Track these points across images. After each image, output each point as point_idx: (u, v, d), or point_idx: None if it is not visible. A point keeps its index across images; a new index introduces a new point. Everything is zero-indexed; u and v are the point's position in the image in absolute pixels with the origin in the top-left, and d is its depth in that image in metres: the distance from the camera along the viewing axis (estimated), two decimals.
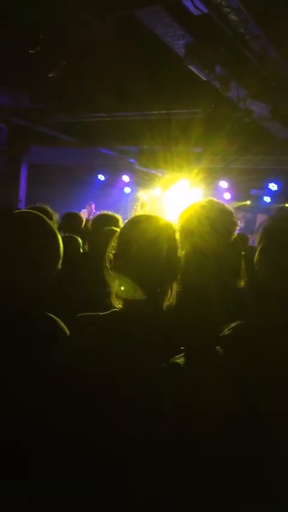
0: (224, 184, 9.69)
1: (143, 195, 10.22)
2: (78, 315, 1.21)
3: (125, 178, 10.97)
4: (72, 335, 1.19)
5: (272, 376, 0.98)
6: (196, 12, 3.68)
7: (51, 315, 1.24)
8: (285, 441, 0.93)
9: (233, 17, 3.83)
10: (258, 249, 1.07)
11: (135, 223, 1.24)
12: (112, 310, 1.20)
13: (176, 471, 0.96)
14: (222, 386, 0.97)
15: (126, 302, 1.18)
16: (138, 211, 9.07)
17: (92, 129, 8.06)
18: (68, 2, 3.83)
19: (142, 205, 9.53)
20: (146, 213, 1.33)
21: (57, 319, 1.25)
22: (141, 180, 11.07)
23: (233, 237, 1.59)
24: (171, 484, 0.97)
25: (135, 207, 9.12)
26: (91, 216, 8.89)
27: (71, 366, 1.10)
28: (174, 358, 1.03)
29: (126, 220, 1.29)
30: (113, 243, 1.24)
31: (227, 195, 10.17)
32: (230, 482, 0.94)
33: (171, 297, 1.19)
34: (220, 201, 1.65)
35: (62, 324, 1.24)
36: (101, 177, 11.43)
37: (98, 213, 5.79)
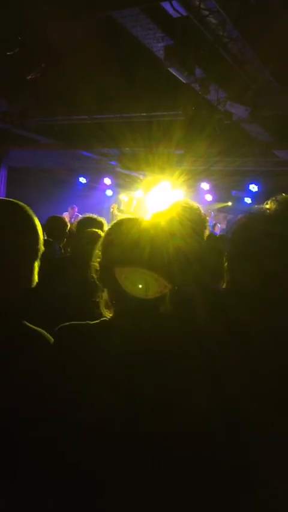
0: (205, 186, 9.77)
1: (124, 197, 10.22)
2: (68, 323, 1.16)
3: (107, 181, 10.95)
4: (56, 345, 1.14)
5: (258, 382, 0.98)
6: (175, 15, 3.69)
7: (30, 325, 1.17)
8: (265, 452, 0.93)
9: (211, 19, 3.85)
10: (239, 253, 1.06)
11: (121, 225, 1.20)
12: (102, 319, 1.17)
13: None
14: (205, 393, 0.95)
15: (117, 310, 1.15)
16: (115, 212, 9.04)
17: (72, 132, 8.01)
18: (45, 3, 3.79)
19: (129, 201, 9.50)
20: (128, 216, 1.29)
21: (38, 329, 1.18)
22: (123, 182, 11.06)
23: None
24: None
25: (111, 209, 9.09)
26: (73, 219, 8.82)
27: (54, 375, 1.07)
28: (155, 365, 1.01)
29: (110, 225, 1.24)
30: (97, 250, 1.19)
31: (209, 197, 10.26)
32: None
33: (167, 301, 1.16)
34: (193, 201, 1.65)
35: (42, 333, 1.18)
36: (82, 179, 11.37)
37: (80, 216, 5.74)
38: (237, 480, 0.94)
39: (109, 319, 1.15)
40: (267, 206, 1.09)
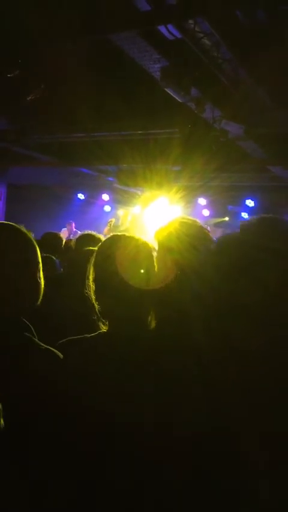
0: (202, 201, 9.87)
1: (121, 212, 10.28)
2: (66, 339, 1.19)
3: (105, 196, 11.05)
4: (59, 358, 1.16)
5: (258, 394, 0.99)
6: (170, 37, 3.80)
7: (34, 339, 1.19)
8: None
9: (206, 41, 3.98)
10: (233, 266, 1.08)
11: (113, 242, 1.25)
12: (99, 331, 1.20)
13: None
14: (200, 410, 0.97)
15: (111, 324, 1.19)
16: (111, 228, 9.06)
17: (71, 149, 8.12)
18: (44, 26, 3.91)
19: (124, 216, 9.55)
20: (122, 233, 1.34)
21: (43, 345, 1.20)
22: (121, 198, 11.16)
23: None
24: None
25: (108, 225, 9.13)
26: (71, 235, 8.86)
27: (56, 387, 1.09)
28: (153, 379, 1.04)
29: (102, 242, 1.28)
30: (90, 266, 1.23)
31: (206, 212, 10.36)
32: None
33: (153, 316, 1.20)
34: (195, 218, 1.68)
35: (48, 349, 1.19)
36: (80, 196, 11.47)
37: (79, 232, 5.78)
38: (233, 490, 0.95)
39: (107, 331, 1.18)
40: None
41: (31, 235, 1.26)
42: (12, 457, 1.00)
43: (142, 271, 1.19)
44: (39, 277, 1.22)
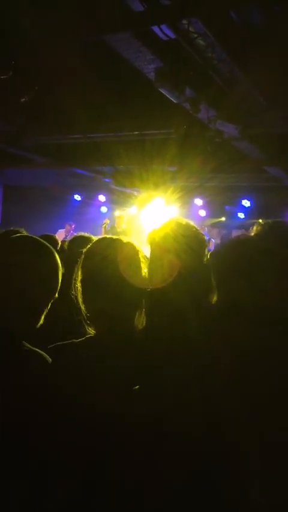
0: (199, 201, 9.88)
1: (118, 213, 10.28)
2: (54, 344, 1.19)
3: (101, 198, 11.05)
4: (48, 364, 1.16)
5: (252, 401, 0.99)
6: (164, 38, 3.80)
7: (23, 342, 1.18)
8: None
9: (200, 42, 3.97)
10: (233, 268, 1.09)
11: (109, 244, 1.25)
12: (86, 336, 1.19)
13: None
14: (195, 412, 0.97)
15: (100, 327, 1.18)
16: (107, 229, 9.03)
17: (67, 150, 8.12)
18: (38, 27, 3.90)
19: (120, 217, 9.56)
20: (109, 236, 1.34)
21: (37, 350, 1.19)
22: (117, 199, 11.16)
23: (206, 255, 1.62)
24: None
25: (103, 225, 9.11)
26: (69, 236, 8.83)
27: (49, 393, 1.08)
28: (146, 381, 1.03)
29: (92, 244, 1.28)
30: (79, 267, 1.23)
31: (202, 212, 10.37)
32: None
33: (142, 318, 1.20)
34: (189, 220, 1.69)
35: (40, 353, 1.19)
36: (77, 197, 11.47)
37: (74, 233, 5.76)
38: (231, 489, 0.95)
39: (95, 335, 1.18)
40: (255, 229, 1.13)
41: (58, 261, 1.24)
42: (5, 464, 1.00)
43: (140, 273, 1.19)
44: (47, 308, 1.21)
